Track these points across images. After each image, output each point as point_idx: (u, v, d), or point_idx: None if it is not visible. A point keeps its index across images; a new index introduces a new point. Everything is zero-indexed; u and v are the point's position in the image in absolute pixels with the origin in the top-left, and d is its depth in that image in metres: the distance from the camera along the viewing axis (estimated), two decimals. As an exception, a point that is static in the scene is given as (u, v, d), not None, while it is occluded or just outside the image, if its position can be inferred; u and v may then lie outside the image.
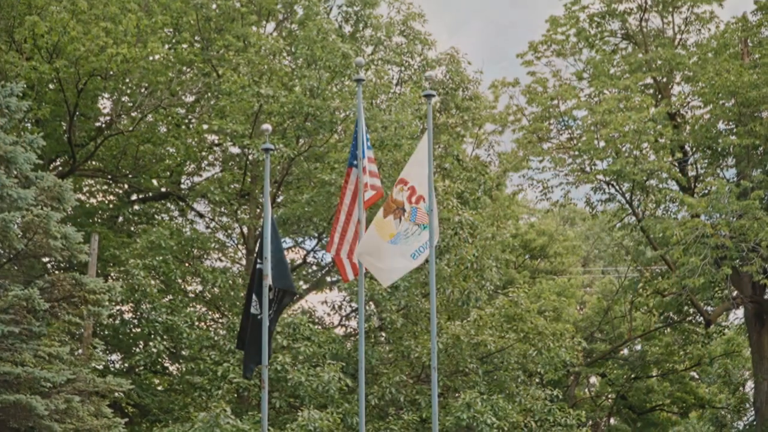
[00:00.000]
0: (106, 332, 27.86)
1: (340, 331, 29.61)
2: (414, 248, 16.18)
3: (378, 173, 17.12)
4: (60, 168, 29.99)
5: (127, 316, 27.91)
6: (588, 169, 33.42)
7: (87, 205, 31.17)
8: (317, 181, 27.68)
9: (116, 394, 20.60)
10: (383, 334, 28.28)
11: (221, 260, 30.78)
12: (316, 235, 30.53)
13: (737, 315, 39.12)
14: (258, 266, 16.90)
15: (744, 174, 32.00)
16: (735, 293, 32.86)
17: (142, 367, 28.24)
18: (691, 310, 36.53)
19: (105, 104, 30.56)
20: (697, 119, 33.44)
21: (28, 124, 27.35)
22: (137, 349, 28.25)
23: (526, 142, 34.41)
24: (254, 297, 16.83)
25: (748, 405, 39.50)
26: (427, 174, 16.05)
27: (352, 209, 16.55)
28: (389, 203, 16.15)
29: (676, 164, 33.51)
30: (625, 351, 41.96)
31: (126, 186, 31.89)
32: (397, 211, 16.27)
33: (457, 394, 25.68)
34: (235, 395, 25.21)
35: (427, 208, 15.95)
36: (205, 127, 30.51)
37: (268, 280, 16.57)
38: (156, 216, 32.32)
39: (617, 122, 30.96)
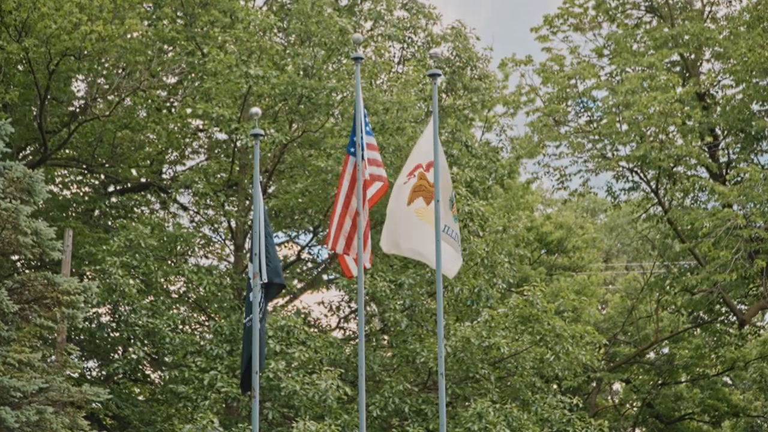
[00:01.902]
0: (82, 337, 27.91)
1: (338, 334, 29.67)
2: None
3: (381, 161, 17.06)
4: (30, 157, 30.00)
5: (105, 319, 27.93)
6: (609, 154, 33.41)
7: (60, 198, 31.20)
8: (312, 169, 27.68)
9: (93, 404, 20.62)
10: (385, 337, 28.33)
11: (207, 257, 30.82)
12: (312, 228, 30.56)
13: (774, 314, 39.16)
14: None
15: (780, 159, 32.06)
16: (771, 290, 32.87)
17: (121, 375, 28.27)
18: (723, 309, 36.49)
19: (79, 87, 30.60)
20: (728, 99, 33.42)
21: (-5, 109, 27.38)
22: (116, 356, 28.29)
23: (541, 126, 34.37)
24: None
25: (786, 413, 39.56)
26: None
27: (350, 200, 16.51)
28: (427, 188, 16.16)
29: (706, 149, 33.50)
30: (652, 354, 41.96)
31: (102, 176, 31.90)
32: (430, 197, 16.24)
33: (467, 403, 25.71)
34: (224, 405, 25.25)
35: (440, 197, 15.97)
36: (188, 111, 30.50)
37: (258, 279, 16.58)
38: (135, 209, 32.34)
39: (641, 103, 30.94)
